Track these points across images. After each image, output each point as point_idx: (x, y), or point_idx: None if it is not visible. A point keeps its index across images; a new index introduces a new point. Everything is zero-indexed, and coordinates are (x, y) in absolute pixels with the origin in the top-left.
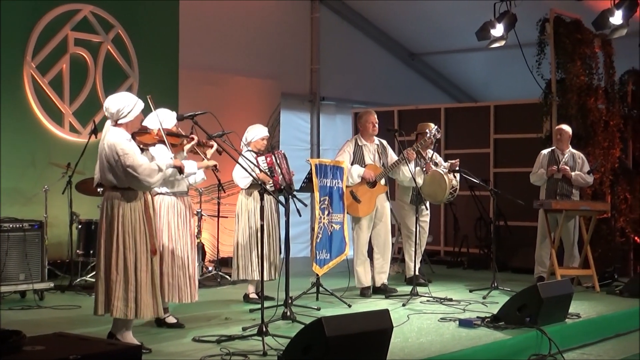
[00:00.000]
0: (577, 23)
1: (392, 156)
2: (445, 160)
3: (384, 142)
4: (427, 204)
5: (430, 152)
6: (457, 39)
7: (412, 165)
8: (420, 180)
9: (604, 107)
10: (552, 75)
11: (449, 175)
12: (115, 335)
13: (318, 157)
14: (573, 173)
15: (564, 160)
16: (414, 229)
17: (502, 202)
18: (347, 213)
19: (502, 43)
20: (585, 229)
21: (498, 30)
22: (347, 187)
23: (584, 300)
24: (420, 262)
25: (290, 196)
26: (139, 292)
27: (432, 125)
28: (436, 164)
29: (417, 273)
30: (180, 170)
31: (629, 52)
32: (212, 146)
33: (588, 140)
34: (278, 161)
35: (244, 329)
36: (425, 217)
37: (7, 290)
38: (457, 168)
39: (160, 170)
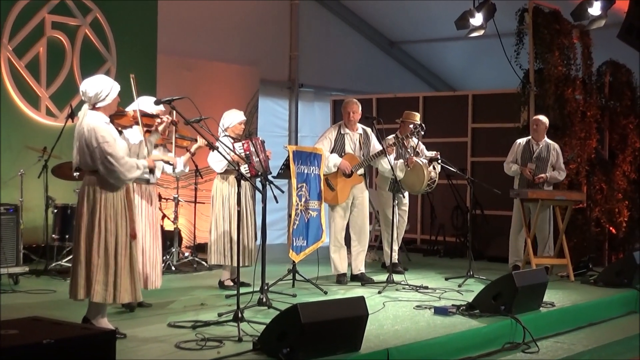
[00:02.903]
0: (556, 14)
1: (375, 145)
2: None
3: (369, 130)
4: (406, 194)
5: (414, 140)
6: (436, 28)
7: (392, 157)
8: (400, 174)
9: (581, 98)
10: (530, 66)
11: (428, 167)
12: (90, 320)
13: (296, 144)
14: (547, 175)
15: (537, 151)
16: (391, 217)
17: (478, 191)
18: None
19: (481, 32)
20: (560, 219)
21: (477, 19)
22: (322, 175)
23: (559, 290)
24: (398, 250)
25: (267, 182)
26: (118, 277)
27: (418, 115)
28: (418, 154)
29: (395, 261)
30: (151, 170)
31: (607, 43)
32: (195, 141)
33: (565, 130)
34: (255, 148)
35: (219, 315)
36: (405, 206)
37: None
38: (438, 159)
39: (138, 168)
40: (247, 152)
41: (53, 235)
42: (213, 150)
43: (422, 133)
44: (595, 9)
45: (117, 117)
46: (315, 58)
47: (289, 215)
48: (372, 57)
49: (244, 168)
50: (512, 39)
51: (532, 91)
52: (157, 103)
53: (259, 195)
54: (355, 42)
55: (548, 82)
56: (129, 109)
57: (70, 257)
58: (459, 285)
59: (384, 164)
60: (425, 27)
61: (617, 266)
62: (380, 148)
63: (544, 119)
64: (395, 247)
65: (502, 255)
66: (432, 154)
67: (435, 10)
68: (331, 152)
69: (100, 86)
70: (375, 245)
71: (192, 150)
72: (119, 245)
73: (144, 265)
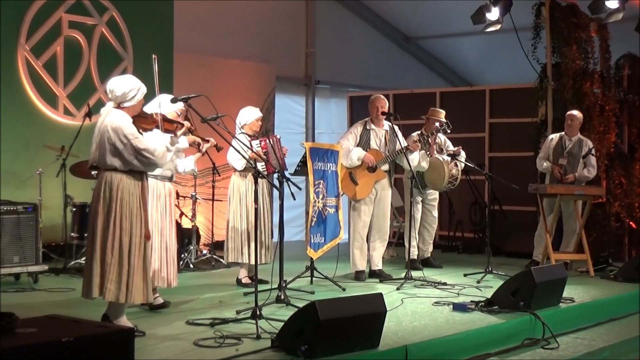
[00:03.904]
0: (573, 7)
1: (401, 142)
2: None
3: (396, 127)
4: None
5: (440, 137)
6: (452, 23)
7: (416, 154)
8: (425, 165)
9: (599, 92)
10: (547, 60)
11: (449, 163)
12: (109, 318)
13: (313, 140)
14: (576, 174)
15: (569, 147)
16: (412, 213)
17: (497, 187)
18: (344, 194)
19: (498, 27)
20: (580, 214)
21: (494, 14)
22: (346, 169)
23: (578, 285)
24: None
25: (284, 180)
26: (131, 276)
27: (443, 112)
28: (442, 150)
29: (430, 256)
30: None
31: (624, 37)
32: (208, 141)
33: (584, 124)
34: (272, 146)
35: (237, 312)
36: (434, 201)
37: (1, 272)
38: (460, 156)
39: (169, 150)
40: (265, 150)
41: (72, 234)
42: (219, 151)
43: (449, 131)
44: (612, 2)
45: (140, 118)
46: (331, 54)
47: (307, 212)
48: (389, 53)
49: (260, 166)
50: (529, 33)
51: (550, 85)
52: (174, 101)
53: (275, 193)
54: (371, 38)
55: (566, 76)
56: (147, 108)
57: (87, 254)
58: (478, 281)
59: (407, 161)
60: (441, 23)
61: (637, 261)
62: (406, 145)
63: (578, 114)
64: (429, 247)
65: (520, 251)
66: (453, 149)
67: (451, 5)
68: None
69: (129, 86)
70: (394, 241)
71: (203, 150)
72: (133, 245)
73: (167, 263)
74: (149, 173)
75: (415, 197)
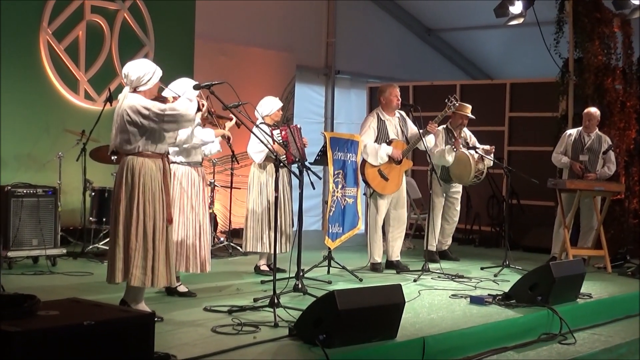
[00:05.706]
0: (597, 2)
1: (412, 127)
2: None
3: (403, 113)
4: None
5: (465, 131)
6: (474, 16)
7: (440, 140)
8: (450, 159)
9: (621, 88)
10: (569, 55)
11: (475, 158)
12: (128, 303)
13: (332, 130)
14: (597, 173)
15: (589, 143)
16: (430, 206)
17: (515, 181)
18: (376, 192)
19: (521, 21)
20: (598, 210)
21: (517, 7)
22: (374, 167)
23: (596, 281)
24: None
25: (304, 169)
26: (156, 261)
27: (469, 107)
28: (467, 144)
29: (447, 249)
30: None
31: None
32: (230, 119)
33: (604, 120)
34: (293, 135)
35: (255, 300)
36: (456, 194)
37: (20, 255)
38: (491, 156)
39: (191, 100)
40: (285, 140)
41: (90, 218)
42: (239, 127)
43: (454, 102)
44: None
45: (157, 101)
46: (352, 45)
47: (325, 202)
48: (409, 44)
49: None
50: (551, 27)
51: (572, 80)
52: (196, 88)
53: (295, 182)
54: (393, 29)
55: (587, 72)
56: (166, 93)
57: (108, 239)
58: (495, 275)
59: (424, 144)
60: (463, 15)
61: None
62: (417, 130)
63: (596, 111)
64: (448, 240)
65: (538, 246)
66: (486, 147)
67: None
68: (375, 141)
69: (143, 70)
70: (411, 233)
71: (227, 128)
72: (156, 229)
73: (202, 248)
74: (181, 160)
75: (436, 189)
